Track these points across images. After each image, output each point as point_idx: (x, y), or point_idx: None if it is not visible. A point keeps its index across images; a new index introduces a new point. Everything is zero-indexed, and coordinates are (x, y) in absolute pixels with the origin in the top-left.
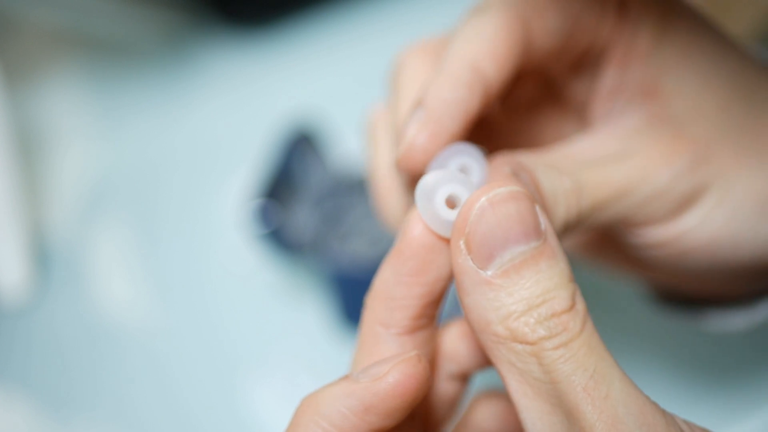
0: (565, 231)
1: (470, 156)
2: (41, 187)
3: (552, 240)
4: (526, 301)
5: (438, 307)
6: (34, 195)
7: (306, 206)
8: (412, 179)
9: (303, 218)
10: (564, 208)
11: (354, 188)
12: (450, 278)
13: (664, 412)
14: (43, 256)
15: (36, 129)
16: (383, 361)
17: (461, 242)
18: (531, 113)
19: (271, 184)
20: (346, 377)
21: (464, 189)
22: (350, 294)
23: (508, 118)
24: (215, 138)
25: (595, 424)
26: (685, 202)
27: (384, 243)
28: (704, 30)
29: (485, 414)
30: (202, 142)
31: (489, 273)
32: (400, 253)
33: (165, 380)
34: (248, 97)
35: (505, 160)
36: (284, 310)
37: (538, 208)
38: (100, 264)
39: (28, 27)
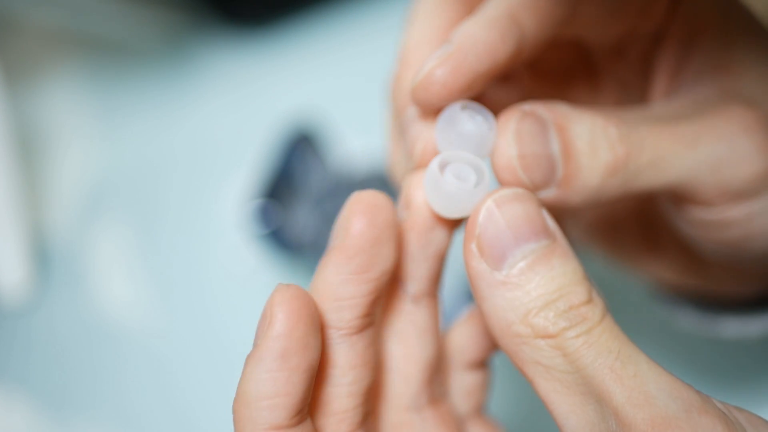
0: (610, 188)
1: (482, 114)
2: (41, 187)
3: (562, 240)
4: (543, 297)
5: (380, 305)
6: (34, 195)
7: (306, 206)
8: (423, 113)
9: (303, 218)
10: (605, 156)
11: (354, 188)
12: (392, 270)
13: (697, 390)
14: (43, 256)
15: (36, 129)
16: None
17: (473, 245)
18: (563, 84)
19: (271, 184)
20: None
21: (472, 168)
22: None
23: (537, 84)
24: (215, 138)
25: (625, 403)
26: (762, 179)
27: None
28: None
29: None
30: (202, 142)
31: (504, 273)
32: (344, 250)
33: (165, 380)
34: (248, 97)
35: (525, 104)
36: None
37: (544, 211)
38: (100, 264)
39: (28, 27)
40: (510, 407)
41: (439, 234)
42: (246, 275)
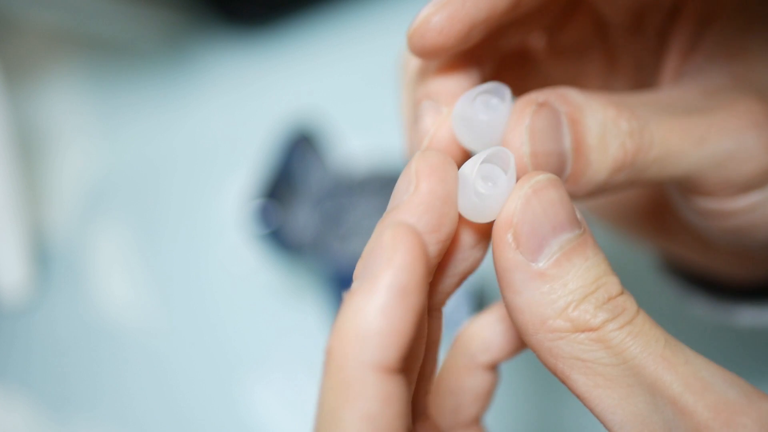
0: (614, 182)
1: (499, 95)
2: (41, 187)
3: (589, 229)
4: (582, 289)
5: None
6: (34, 195)
7: (306, 206)
8: (421, 68)
9: (303, 218)
10: (614, 153)
11: (354, 188)
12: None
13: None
14: (43, 256)
15: (36, 129)
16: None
17: (509, 235)
18: (579, 59)
19: (271, 185)
20: None
21: (500, 170)
22: None
23: (553, 59)
24: (215, 138)
25: (684, 392)
26: (765, 173)
27: None
28: None
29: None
30: (202, 142)
31: (541, 264)
32: (414, 206)
33: (165, 380)
34: (248, 97)
35: (540, 93)
36: (284, 310)
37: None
38: (100, 264)
39: (28, 27)
40: (506, 416)
41: (476, 252)
42: (246, 275)
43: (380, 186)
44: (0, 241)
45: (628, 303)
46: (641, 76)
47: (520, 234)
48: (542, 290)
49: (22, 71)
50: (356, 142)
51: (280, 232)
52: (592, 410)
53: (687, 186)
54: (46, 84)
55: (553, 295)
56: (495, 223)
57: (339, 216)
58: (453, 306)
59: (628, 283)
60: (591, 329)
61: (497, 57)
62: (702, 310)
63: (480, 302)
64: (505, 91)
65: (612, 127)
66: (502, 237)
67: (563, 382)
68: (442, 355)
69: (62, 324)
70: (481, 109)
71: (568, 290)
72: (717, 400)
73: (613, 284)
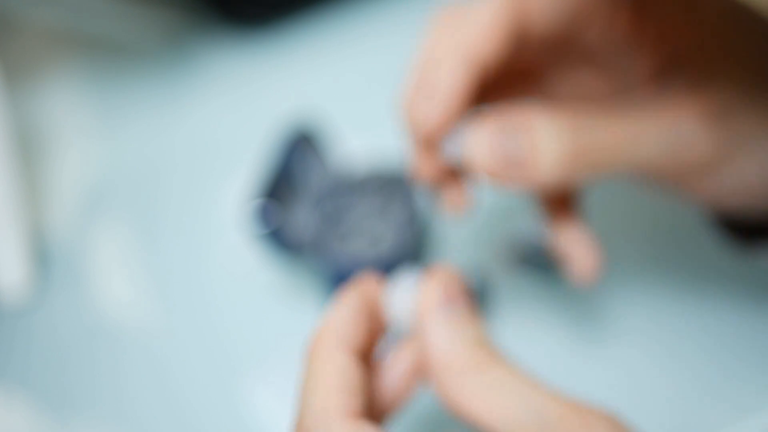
0: (569, 180)
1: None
2: (41, 187)
3: None
4: None
5: None
6: (34, 195)
7: (306, 206)
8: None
9: (303, 218)
10: (554, 169)
11: (354, 188)
12: None
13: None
14: (43, 256)
15: (36, 129)
16: None
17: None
18: (573, 74)
19: (270, 184)
20: None
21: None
22: None
23: (555, 65)
24: (215, 138)
25: None
26: (713, 157)
27: (384, 243)
28: None
29: None
30: (202, 142)
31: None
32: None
33: (165, 380)
34: (248, 97)
35: (494, 118)
36: (284, 310)
37: None
38: (100, 264)
39: (28, 27)
40: None
41: None
42: (246, 275)
43: (380, 186)
44: (0, 241)
45: None
46: (622, 81)
47: None
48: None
49: (22, 71)
50: (356, 141)
51: (280, 232)
52: None
53: (650, 177)
54: (46, 84)
55: None
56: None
57: (339, 216)
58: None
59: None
60: None
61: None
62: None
63: (481, 296)
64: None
65: (556, 133)
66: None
67: None
68: None
69: (62, 324)
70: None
71: None
72: None
73: None
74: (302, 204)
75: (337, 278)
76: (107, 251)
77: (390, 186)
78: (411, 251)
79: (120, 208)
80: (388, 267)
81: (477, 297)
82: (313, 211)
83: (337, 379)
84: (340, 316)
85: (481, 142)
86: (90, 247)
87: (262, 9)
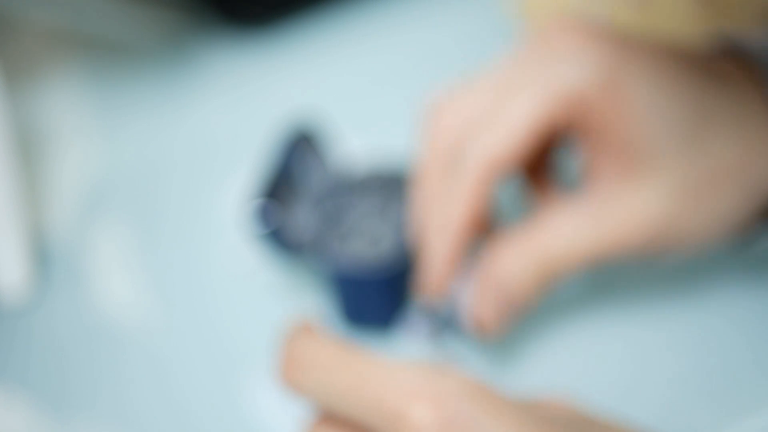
0: (550, 285)
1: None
2: (41, 187)
3: None
4: None
5: None
6: (34, 195)
7: (306, 206)
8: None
9: (303, 218)
10: (530, 289)
11: (354, 188)
12: None
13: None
14: (43, 256)
15: (36, 129)
16: None
17: None
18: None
19: (271, 184)
20: None
21: None
22: (350, 294)
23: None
24: (215, 138)
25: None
26: (653, 232)
27: (384, 243)
28: (651, 54)
29: None
30: (202, 142)
31: None
32: None
33: (165, 380)
34: (248, 97)
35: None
36: (284, 311)
37: None
38: (100, 264)
39: (28, 27)
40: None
41: None
42: (246, 275)
43: (380, 186)
44: (0, 241)
45: None
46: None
47: None
48: None
49: (22, 71)
50: (356, 141)
51: (280, 232)
52: None
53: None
54: (45, 84)
55: None
56: None
57: (339, 216)
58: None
59: None
60: None
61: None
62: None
63: None
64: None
65: (526, 262)
66: None
67: None
68: None
69: (62, 324)
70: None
71: None
72: None
73: None
74: (302, 204)
75: (337, 278)
76: (107, 251)
77: (390, 186)
78: (411, 251)
79: (120, 208)
80: (387, 267)
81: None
82: (313, 211)
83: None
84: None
85: (476, 309)
86: (90, 247)
87: (262, 9)
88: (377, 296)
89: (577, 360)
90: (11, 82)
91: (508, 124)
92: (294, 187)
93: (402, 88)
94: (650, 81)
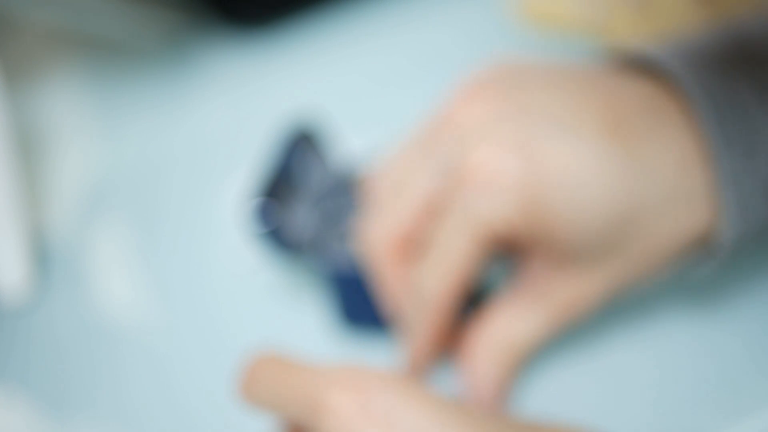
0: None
1: None
2: (41, 187)
3: None
4: None
5: None
6: (34, 195)
7: (305, 205)
8: None
9: (302, 217)
10: (502, 378)
11: (354, 188)
12: None
13: None
14: (43, 256)
15: (36, 129)
16: None
17: None
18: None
19: (270, 183)
20: None
21: None
22: (349, 294)
23: None
24: (215, 138)
25: None
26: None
27: None
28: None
29: None
30: (202, 142)
31: None
32: None
33: (165, 380)
34: (248, 96)
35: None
36: (284, 310)
37: None
38: (100, 264)
39: (28, 27)
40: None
41: None
42: (245, 275)
43: None
44: (0, 241)
45: None
46: None
47: None
48: None
49: (22, 71)
50: (357, 141)
51: (279, 231)
52: None
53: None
54: (46, 84)
55: None
56: None
57: (339, 215)
58: None
59: None
60: None
61: None
62: None
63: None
64: None
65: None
66: None
67: None
68: None
69: (62, 324)
70: None
71: None
72: None
73: None
74: (302, 203)
75: (336, 278)
76: (107, 251)
77: None
78: None
79: (120, 208)
80: None
81: (477, 296)
82: (313, 211)
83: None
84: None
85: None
86: (90, 247)
87: (262, 9)
88: (375, 296)
89: (570, 363)
90: (11, 82)
91: (449, 264)
92: (294, 187)
93: (402, 88)
94: (569, 181)
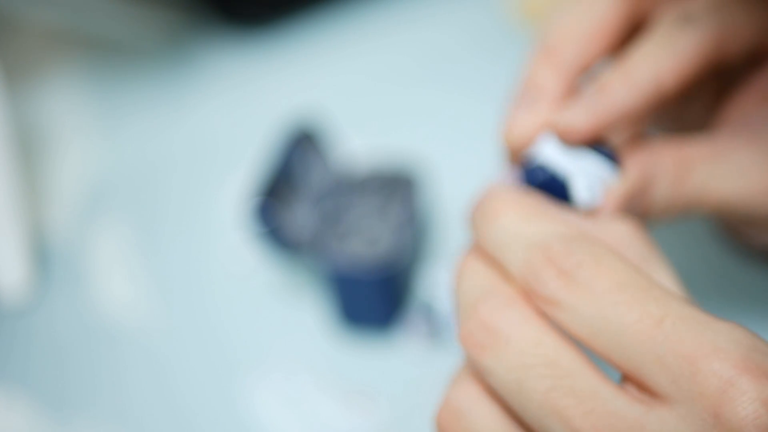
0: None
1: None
2: (41, 187)
3: None
4: None
5: None
6: (34, 195)
7: (305, 205)
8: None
9: (302, 217)
10: (663, 208)
11: (354, 188)
12: None
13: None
14: (43, 256)
15: (36, 129)
16: None
17: None
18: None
19: (270, 183)
20: None
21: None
22: (349, 294)
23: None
24: (215, 138)
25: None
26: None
27: (382, 243)
28: None
29: None
30: (202, 141)
31: None
32: None
33: (165, 380)
34: (248, 96)
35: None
36: (283, 310)
37: None
38: (100, 264)
39: (28, 27)
40: None
41: None
42: (245, 274)
43: (381, 185)
44: (0, 241)
45: None
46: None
47: None
48: None
49: (22, 71)
50: (357, 141)
51: (279, 230)
52: None
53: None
54: (46, 84)
55: None
56: None
57: (338, 215)
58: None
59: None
60: None
61: None
62: None
63: None
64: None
65: (665, 173)
66: None
67: None
68: None
69: (62, 324)
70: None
71: None
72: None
73: None
74: (302, 203)
75: (335, 278)
76: (107, 251)
77: (390, 186)
78: (409, 252)
79: (120, 208)
80: (385, 267)
81: None
82: (313, 210)
83: None
84: None
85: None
86: (90, 247)
87: (262, 9)
88: (375, 296)
89: None
90: (11, 82)
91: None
92: (294, 186)
93: (402, 87)
94: None
